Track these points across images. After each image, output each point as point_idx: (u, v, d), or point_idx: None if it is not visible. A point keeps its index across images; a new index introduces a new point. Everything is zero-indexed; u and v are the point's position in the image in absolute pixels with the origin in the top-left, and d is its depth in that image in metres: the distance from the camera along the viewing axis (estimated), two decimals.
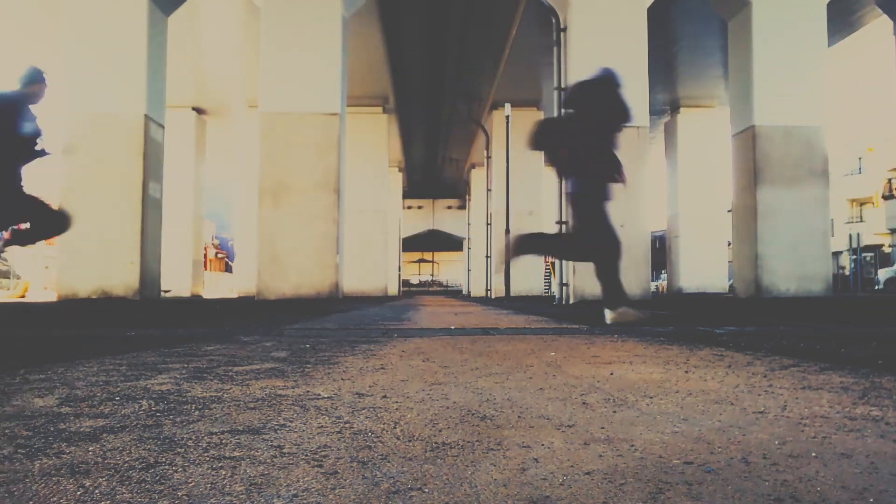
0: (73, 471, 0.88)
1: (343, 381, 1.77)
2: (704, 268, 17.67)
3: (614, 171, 4.24)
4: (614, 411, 1.33)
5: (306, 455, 0.98)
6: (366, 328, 4.07)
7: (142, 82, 8.28)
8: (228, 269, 40.38)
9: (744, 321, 4.63)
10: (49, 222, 4.97)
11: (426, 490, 0.81)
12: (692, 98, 17.88)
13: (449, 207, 38.13)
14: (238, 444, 1.05)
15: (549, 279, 26.52)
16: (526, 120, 17.33)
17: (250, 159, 17.14)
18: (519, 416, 1.28)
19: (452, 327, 4.14)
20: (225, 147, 22.48)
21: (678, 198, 18.04)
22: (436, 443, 1.06)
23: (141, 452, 0.98)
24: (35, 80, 4.78)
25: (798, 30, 8.91)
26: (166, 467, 0.90)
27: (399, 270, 26.47)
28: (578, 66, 8.77)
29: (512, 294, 16.06)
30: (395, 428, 1.18)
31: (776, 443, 1.04)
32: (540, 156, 17.76)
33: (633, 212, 8.56)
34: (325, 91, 8.55)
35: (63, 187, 8.13)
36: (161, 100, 8.83)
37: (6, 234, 4.94)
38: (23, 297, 18.06)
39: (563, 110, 4.56)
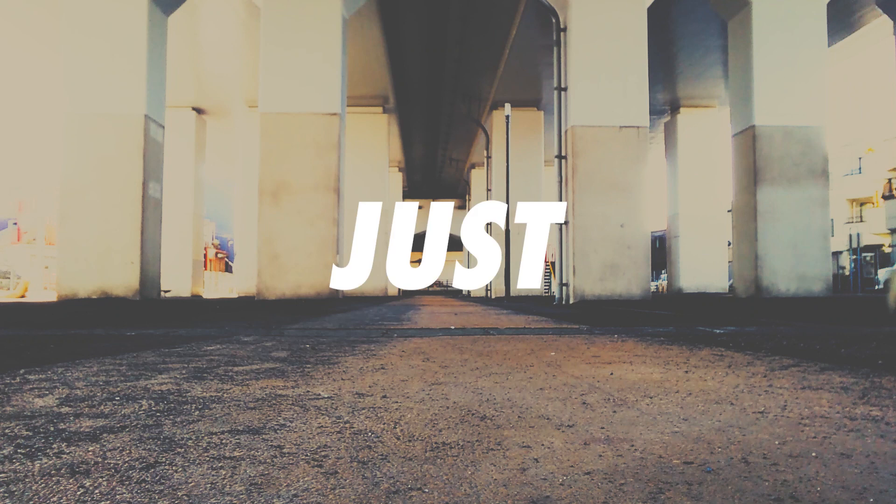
0: (73, 471, 0.88)
1: (343, 381, 1.77)
2: (704, 268, 17.68)
3: None
4: (614, 411, 1.33)
5: (306, 455, 0.97)
6: (366, 328, 4.07)
7: (142, 82, 8.28)
8: (228, 269, 40.35)
9: (744, 321, 4.63)
10: None
11: (426, 490, 0.81)
12: (692, 98, 17.88)
13: None
14: (238, 444, 1.05)
15: (549, 279, 26.52)
16: (526, 120, 17.33)
17: (250, 159, 17.13)
18: (519, 416, 1.28)
19: (452, 327, 4.14)
20: (225, 147, 22.46)
21: (678, 198, 18.04)
22: (436, 443, 1.06)
23: (141, 452, 0.98)
24: None
25: (798, 30, 8.91)
26: (166, 467, 0.90)
27: None
28: (578, 66, 8.77)
29: (512, 294, 16.06)
30: (395, 428, 1.17)
31: (776, 443, 1.04)
32: (540, 155, 17.78)
33: (633, 212, 8.56)
34: (325, 91, 8.56)
35: (63, 187, 8.13)
36: (161, 100, 8.83)
37: None
38: (23, 297, 18.07)
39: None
